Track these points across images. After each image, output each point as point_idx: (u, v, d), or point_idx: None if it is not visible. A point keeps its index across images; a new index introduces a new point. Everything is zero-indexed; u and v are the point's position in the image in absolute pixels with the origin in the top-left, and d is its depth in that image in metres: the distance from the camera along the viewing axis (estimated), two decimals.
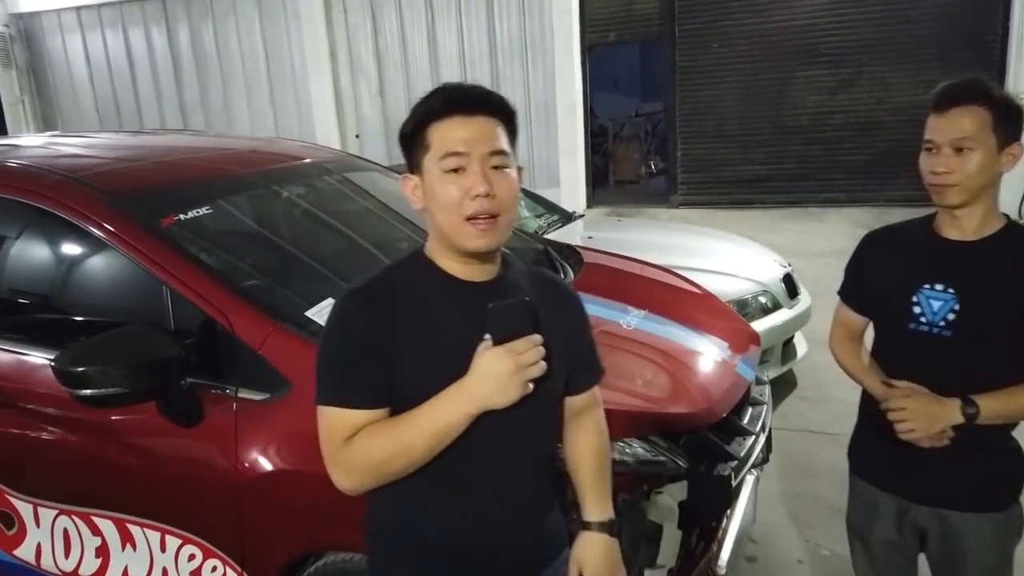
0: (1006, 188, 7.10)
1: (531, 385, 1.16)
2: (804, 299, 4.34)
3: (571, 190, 9.10)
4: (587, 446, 1.46)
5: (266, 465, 1.91)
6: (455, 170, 1.18)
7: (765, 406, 2.34)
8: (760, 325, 3.66)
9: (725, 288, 3.78)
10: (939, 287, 1.66)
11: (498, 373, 1.13)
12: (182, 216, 2.25)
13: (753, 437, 2.14)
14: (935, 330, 1.66)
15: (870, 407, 1.80)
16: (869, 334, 1.89)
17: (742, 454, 2.05)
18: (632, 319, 2.36)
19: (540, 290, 1.34)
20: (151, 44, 11.57)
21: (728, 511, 2.05)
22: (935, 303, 1.66)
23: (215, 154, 2.93)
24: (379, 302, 1.23)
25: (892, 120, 8.28)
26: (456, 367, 1.18)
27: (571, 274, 2.76)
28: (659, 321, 2.41)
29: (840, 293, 1.93)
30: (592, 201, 9.58)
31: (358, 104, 10.60)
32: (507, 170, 1.22)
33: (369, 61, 10.37)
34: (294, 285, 2.33)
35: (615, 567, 1.41)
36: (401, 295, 1.24)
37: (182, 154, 2.91)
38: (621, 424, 1.77)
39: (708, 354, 2.32)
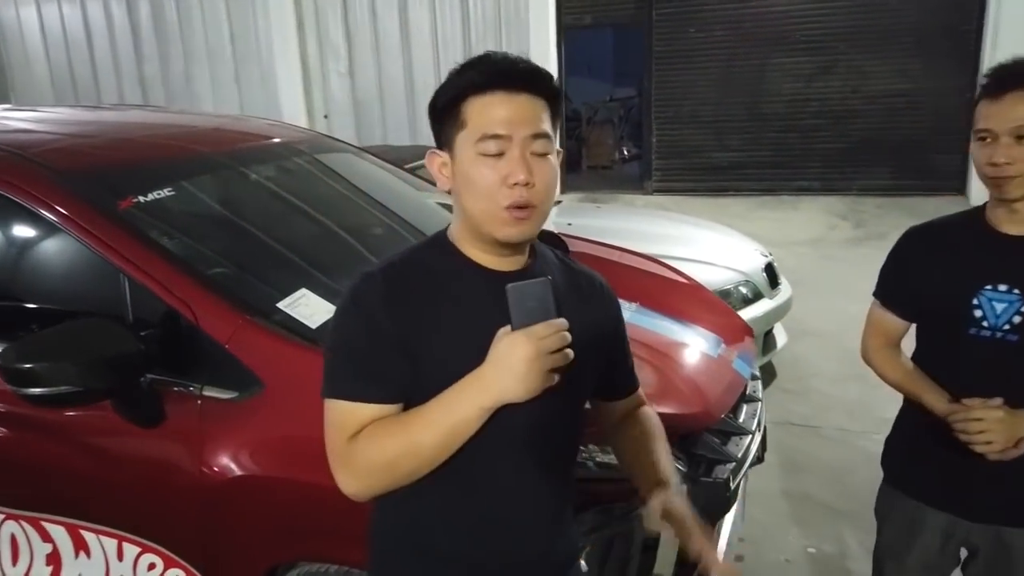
0: None
1: (555, 376, 1.04)
2: (785, 289, 4.29)
3: None
4: (646, 423, 1.36)
5: (234, 469, 1.78)
6: (495, 154, 1.07)
7: (760, 403, 2.25)
8: (742, 315, 3.58)
9: (707, 277, 3.69)
10: (1002, 288, 1.54)
11: (517, 360, 1.01)
12: (142, 198, 2.09)
13: (750, 436, 2.05)
14: (998, 335, 1.55)
15: (916, 418, 1.68)
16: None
17: (739, 455, 1.96)
18: (624, 312, 2.24)
19: (572, 283, 1.25)
20: (109, 14, 11.13)
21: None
22: (998, 305, 1.54)
23: (178, 132, 2.75)
24: (400, 287, 1.12)
25: (867, 109, 8.29)
26: (482, 362, 1.07)
27: None
28: (651, 315, 2.31)
29: (878, 295, 1.77)
30: (565, 186, 9.46)
31: (326, 83, 10.34)
32: (548, 156, 1.11)
33: (339, 38, 10.10)
34: (264, 275, 2.18)
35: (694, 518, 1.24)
36: (425, 281, 1.14)
37: (142, 131, 2.72)
38: None
39: (704, 350, 2.23)
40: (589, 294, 1.28)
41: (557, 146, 1.14)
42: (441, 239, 1.20)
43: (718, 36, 8.65)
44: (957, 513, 1.66)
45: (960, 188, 8.03)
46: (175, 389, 1.84)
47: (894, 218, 7.55)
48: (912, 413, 1.72)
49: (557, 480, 1.26)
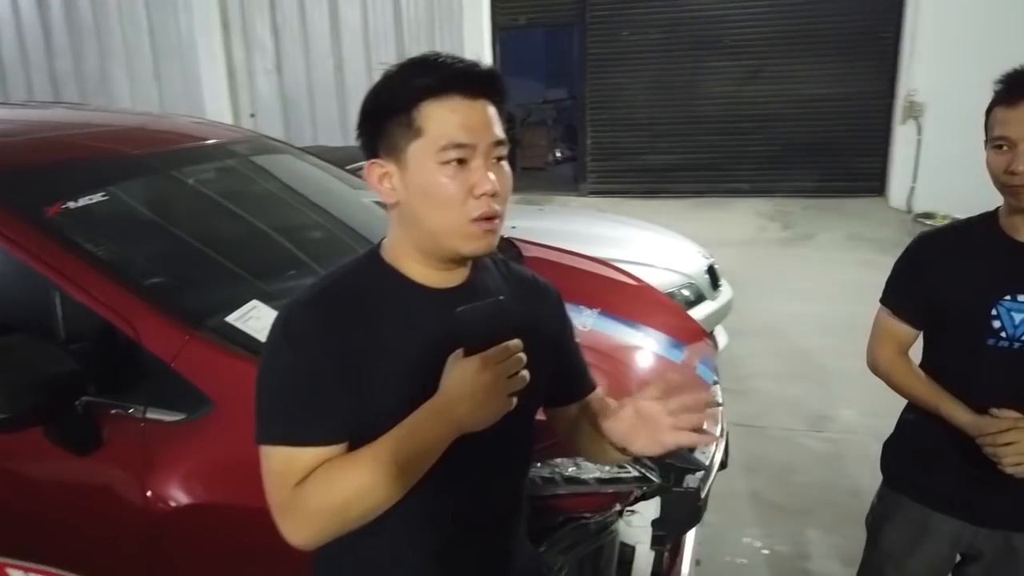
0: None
1: (514, 400, 0.98)
2: (726, 290, 4.34)
3: None
4: (600, 401, 1.27)
5: (183, 497, 1.66)
6: (457, 162, 1.00)
7: (721, 407, 2.24)
8: None
9: (651, 280, 3.67)
10: (1021, 298, 1.50)
11: (474, 388, 0.95)
12: (71, 204, 1.94)
13: (715, 442, 2.03)
14: (1016, 345, 1.52)
15: (924, 424, 1.65)
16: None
17: (707, 463, 1.94)
18: (587, 319, 2.21)
19: (516, 290, 1.19)
20: (16, 5, 10.49)
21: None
22: (1017, 316, 1.50)
23: (106, 132, 2.56)
24: (334, 315, 1.03)
25: (793, 113, 8.53)
26: (432, 392, 0.99)
27: None
28: (613, 320, 2.28)
29: (887, 302, 1.72)
30: None
31: (253, 80, 10.01)
32: (504, 161, 1.06)
33: (265, 35, 9.79)
34: (210, 286, 2.05)
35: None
36: (360, 306, 1.05)
37: (66, 130, 2.53)
38: None
39: (668, 356, 2.21)
40: (534, 299, 1.22)
41: None
42: (374, 257, 1.11)
43: (651, 39, 8.76)
44: (966, 518, 1.65)
45: (880, 189, 8.36)
46: (114, 412, 1.70)
47: (820, 219, 7.81)
48: (919, 418, 1.69)
49: (513, 498, 1.22)
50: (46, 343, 1.69)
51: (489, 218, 1.02)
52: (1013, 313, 1.51)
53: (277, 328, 1.04)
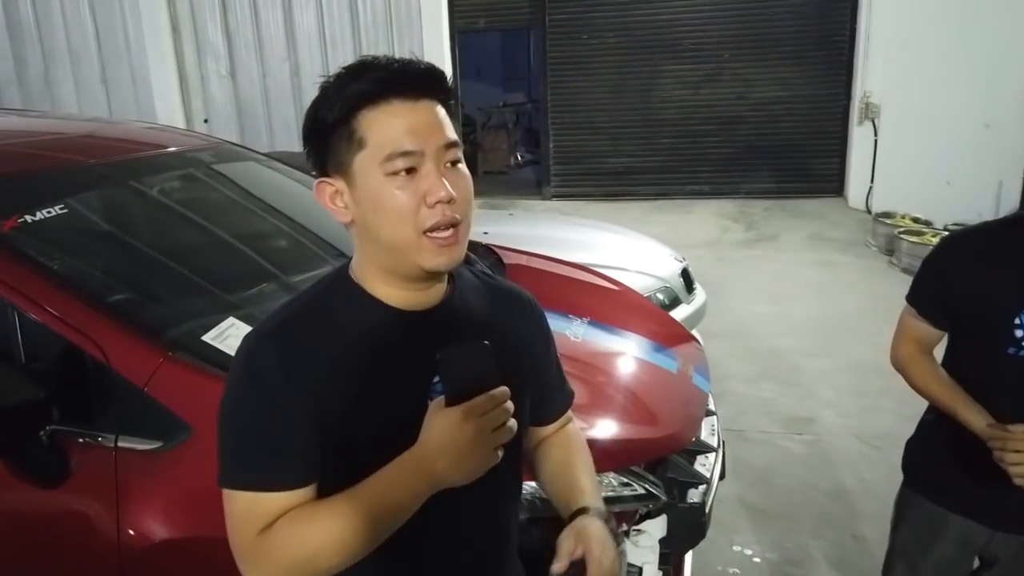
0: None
1: (500, 453, 0.90)
2: (700, 294, 4.32)
3: None
4: (570, 445, 1.24)
5: (161, 530, 1.56)
6: (405, 171, 0.92)
7: (716, 416, 2.20)
8: None
9: (626, 283, 3.67)
10: None
11: (456, 443, 0.88)
12: (28, 218, 1.81)
13: (714, 454, 1.99)
14: None
15: (944, 425, 1.62)
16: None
17: (708, 475, 1.89)
18: (577, 329, 2.14)
19: (496, 305, 1.12)
20: None
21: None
22: None
23: (62, 140, 2.41)
24: (299, 346, 0.95)
25: (752, 115, 8.61)
26: (408, 427, 0.92)
27: None
28: (604, 329, 2.21)
29: (913, 301, 1.68)
30: None
31: (206, 85, 9.74)
32: (460, 165, 0.97)
33: (217, 38, 9.53)
34: (182, 304, 1.93)
35: (613, 550, 1.10)
36: (328, 335, 0.97)
37: (14, 138, 2.37)
38: (594, 456, 1.55)
39: (664, 366, 2.15)
40: (514, 313, 1.15)
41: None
42: (342, 279, 1.03)
43: (610, 43, 8.77)
44: (982, 521, 1.63)
45: (839, 190, 8.50)
46: (82, 441, 1.58)
47: (781, 219, 7.90)
48: (937, 419, 1.67)
49: (500, 547, 1.14)
50: (5, 368, 1.56)
51: (448, 227, 0.94)
52: None
53: (239, 361, 0.96)
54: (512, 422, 0.90)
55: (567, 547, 1.02)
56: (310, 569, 0.92)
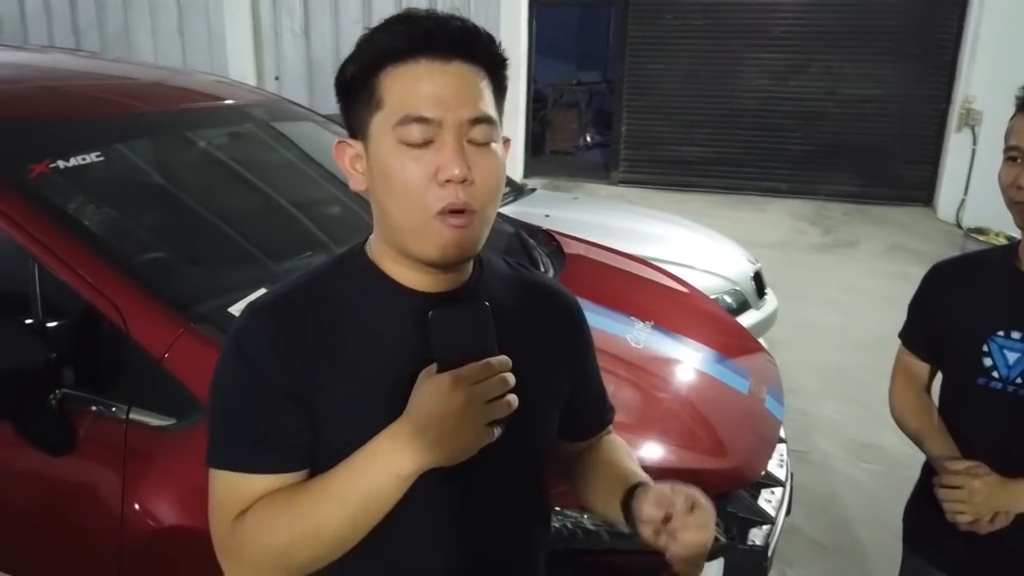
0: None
1: (496, 431, 0.79)
2: (771, 299, 4.05)
3: (509, 157, 8.51)
4: (614, 446, 1.10)
5: (166, 515, 1.44)
6: (420, 143, 0.81)
7: (785, 445, 1.97)
8: None
9: (693, 283, 3.43)
10: (1016, 335, 1.36)
11: (443, 413, 0.77)
12: (61, 163, 1.69)
13: (782, 489, 1.77)
14: (1010, 388, 1.36)
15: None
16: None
17: (774, 514, 1.68)
18: (640, 334, 1.93)
19: (527, 301, 1.00)
20: None
21: None
22: (1011, 355, 1.36)
23: (112, 84, 2.30)
24: (295, 324, 0.87)
25: (839, 112, 8.13)
26: None
27: (551, 268, 2.30)
28: (669, 337, 1.99)
29: (901, 335, 1.61)
30: (528, 171, 9.12)
31: (279, 42, 9.71)
32: (491, 146, 0.85)
33: None
34: (215, 269, 1.79)
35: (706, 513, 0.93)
36: (328, 313, 0.88)
37: (66, 79, 2.26)
38: None
39: (735, 385, 1.93)
40: (547, 312, 1.02)
41: (503, 132, 0.89)
42: (355, 255, 0.94)
43: (696, 25, 8.37)
44: None
45: (927, 200, 7.99)
46: (93, 409, 1.47)
47: (861, 225, 7.47)
48: (927, 465, 1.55)
49: (514, 557, 0.99)
50: (20, 326, 1.45)
51: (457, 212, 0.82)
52: (1006, 352, 1.36)
53: (231, 334, 0.89)
54: (512, 397, 0.79)
55: (648, 512, 0.86)
56: (286, 561, 0.84)
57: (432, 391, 0.78)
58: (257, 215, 2.10)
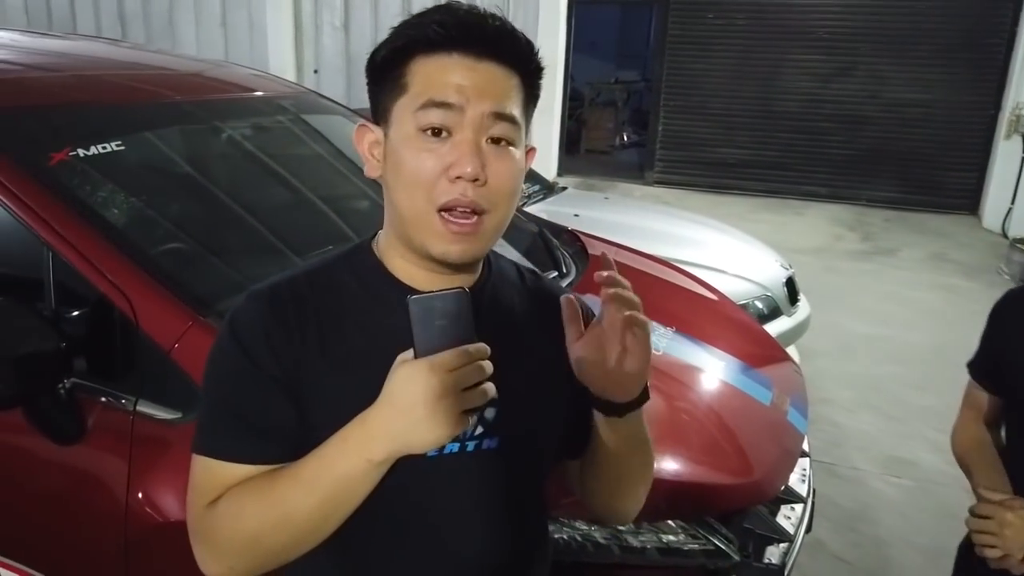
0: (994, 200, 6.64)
1: (470, 419, 0.78)
2: (804, 306, 3.95)
3: (543, 155, 8.53)
4: None
5: (171, 509, 1.42)
6: (436, 131, 0.80)
7: (808, 459, 1.90)
8: None
9: (723, 288, 3.35)
10: None
11: (418, 400, 0.75)
12: (81, 151, 1.69)
13: (802, 506, 1.70)
14: None
15: None
16: None
17: (792, 531, 1.61)
18: (660, 340, 1.87)
19: (536, 310, 0.97)
20: None
21: None
22: None
23: (142, 73, 2.30)
24: (290, 313, 0.86)
25: (882, 116, 7.93)
26: None
27: (574, 269, 2.25)
28: (691, 344, 1.93)
29: (970, 365, 1.52)
30: (562, 169, 9.06)
31: (319, 36, 9.79)
32: (511, 148, 0.83)
33: None
34: (231, 262, 1.78)
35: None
36: (328, 305, 0.87)
37: (95, 67, 2.27)
38: (655, 497, 1.31)
39: (756, 396, 1.86)
40: (558, 319, 0.95)
41: (531, 140, 0.88)
42: (362, 249, 0.93)
43: (737, 25, 8.22)
44: None
45: (972, 208, 7.76)
46: (101, 400, 1.47)
47: (902, 233, 7.27)
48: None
49: (511, 557, 0.95)
50: (31, 313, 1.45)
51: (468, 212, 0.80)
52: None
53: (226, 321, 0.88)
54: (489, 386, 0.77)
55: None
56: (255, 551, 0.82)
57: (406, 376, 0.76)
58: (278, 208, 2.09)
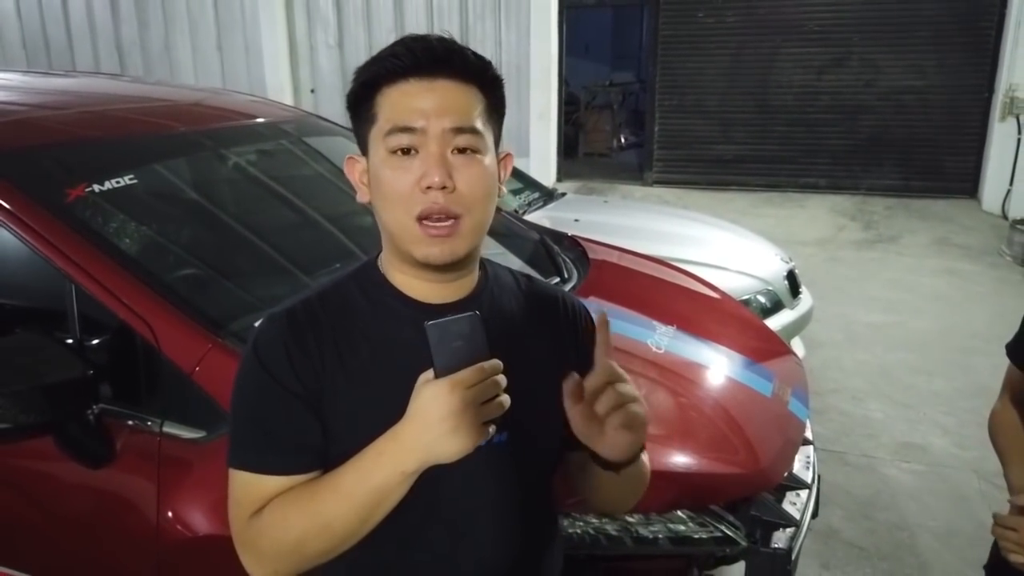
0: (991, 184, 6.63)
1: (491, 429, 0.86)
2: (806, 298, 3.99)
3: (542, 160, 8.59)
4: None
5: (201, 525, 1.48)
6: (406, 151, 0.90)
7: (812, 447, 1.95)
8: None
9: (724, 284, 3.38)
10: None
11: (441, 415, 0.84)
12: (96, 187, 1.76)
13: (807, 492, 1.74)
14: None
15: None
16: None
17: (799, 517, 1.66)
18: (661, 338, 1.93)
19: (533, 311, 1.05)
20: None
21: None
22: None
23: (145, 107, 2.37)
24: (309, 331, 0.94)
25: (879, 105, 7.96)
26: None
27: (576, 274, 2.31)
28: (692, 341, 1.99)
29: (1009, 349, 1.49)
30: (562, 174, 9.12)
31: (314, 55, 9.88)
32: (477, 156, 0.92)
33: (328, 8, 9.62)
34: (244, 285, 1.84)
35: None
36: (342, 323, 0.96)
37: (102, 103, 2.35)
38: (662, 489, 1.36)
39: (757, 388, 1.91)
40: (554, 321, 1.07)
41: (496, 146, 0.96)
42: (368, 266, 1.02)
43: (728, 22, 8.27)
44: None
45: (972, 191, 7.78)
46: (129, 423, 1.53)
47: (904, 220, 7.30)
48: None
49: (522, 552, 1.03)
50: (57, 344, 1.51)
51: (443, 218, 0.89)
52: None
53: (250, 343, 0.96)
54: (504, 397, 0.85)
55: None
56: (298, 556, 0.91)
57: (431, 395, 0.84)
58: (286, 229, 2.15)
